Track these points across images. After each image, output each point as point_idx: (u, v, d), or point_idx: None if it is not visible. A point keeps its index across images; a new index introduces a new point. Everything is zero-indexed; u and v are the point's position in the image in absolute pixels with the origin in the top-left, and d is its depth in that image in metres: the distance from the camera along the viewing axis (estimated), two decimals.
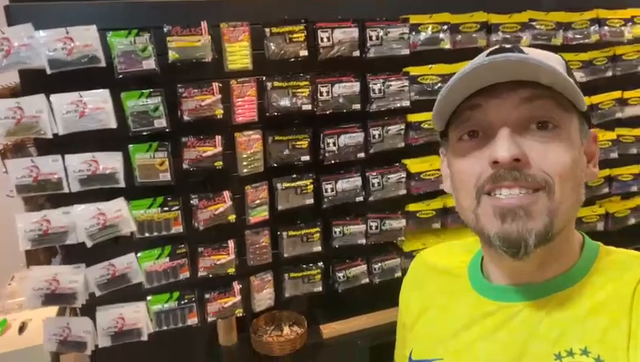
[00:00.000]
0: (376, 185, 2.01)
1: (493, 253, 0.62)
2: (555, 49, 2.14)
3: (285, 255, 1.94)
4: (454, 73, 0.62)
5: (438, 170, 2.17)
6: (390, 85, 1.91)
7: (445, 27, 1.93)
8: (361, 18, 1.84)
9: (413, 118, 1.99)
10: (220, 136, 1.75)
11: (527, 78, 0.56)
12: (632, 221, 2.54)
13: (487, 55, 0.59)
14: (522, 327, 0.61)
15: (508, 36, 2.02)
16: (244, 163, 1.81)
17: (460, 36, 1.97)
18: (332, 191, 1.96)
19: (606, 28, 2.16)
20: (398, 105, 1.94)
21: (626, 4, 2.21)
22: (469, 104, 0.60)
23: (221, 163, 1.76)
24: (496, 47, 0.62)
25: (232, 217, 1.82)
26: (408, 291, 0.83)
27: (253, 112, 1.79)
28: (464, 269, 0.74)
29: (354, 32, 1.82)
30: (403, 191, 2.06)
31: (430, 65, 1.96)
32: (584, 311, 0.59)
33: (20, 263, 1.84)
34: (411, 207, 2.10)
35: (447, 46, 1.94)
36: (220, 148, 1.75)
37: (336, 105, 1.87)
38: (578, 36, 2.14)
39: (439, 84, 1.97)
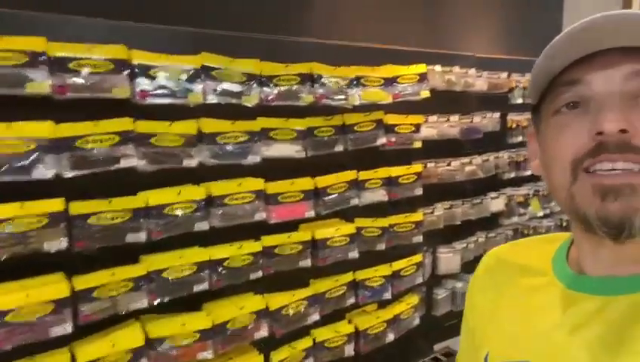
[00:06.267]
0: None
1: (589, 237, 0.56)
2: (250, 111, 1.50)
3: None
4: None
5: None
6: None
7: None
8: None
9: None
10: None
11: None
12: (391, 337, 1.96)
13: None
14: (623, 322, 0.53)
15: (171, 87, 1.32)
16: None
17: None
18: None
19: (319, 87, 1.62)
20: None
21: (340, 60, 1.71)
22: (569, 78, 0.54)
23: None
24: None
25: None
26: (477, 291, 0.74)
27: None
28: (547, 262, 0.65)
29: None
30: None
31: None
32: None
33: None
34: None
35: None
36: None
37: None
38: (284, 90, 1.54)
39: None
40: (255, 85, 1.47)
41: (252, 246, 1.54)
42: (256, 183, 1.53)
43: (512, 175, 2.48)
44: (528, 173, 2.55)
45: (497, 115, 2.35)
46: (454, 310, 2.27)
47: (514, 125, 2.44)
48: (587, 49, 0.52)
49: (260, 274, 1.57)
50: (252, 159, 1.50)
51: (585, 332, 0.55)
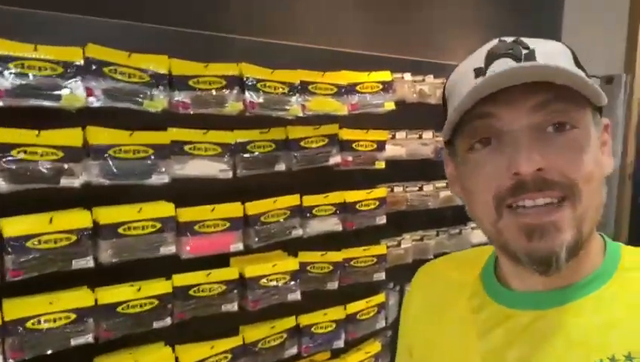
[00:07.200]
0: None
1: (517, 266, 0.57)
2: (158, 120, 1.21)
3: None
4: None
5: None
6: None
7: None
8: None
9: None
10: None
11: (541, 79, 0.52)
12: None
13: (487, 56, 0.55)
14: (554, 335, 0.56)
15: (39, 85, 1.03)
16: None
17: None
18: None
19: (251, 92, 1.32)
20: None
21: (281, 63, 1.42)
22: (479, 112, 0.55)
23: None
24: (496, 41, 0.57)
25: None
26: (414, 309, 0.74)
27: None
28: (477, 278, 0.67)
29: None
30: None
31: None
32: (620, 313, 0.55)
33: None
34: None
35: None
36: None
37: None
38: (202, 95, 1.25)
39: None
40: (162, 87, 1.18)
41: (157, 286, 1.24)
42: (164, 209, 1.23)
43: None
44: None
45: None
46: None
47: None
48: (494, 86, 0.52)
49: (168, 321, 1.26)
50: (158, 179, 1.20)
51: (518, 348, 0.57)
